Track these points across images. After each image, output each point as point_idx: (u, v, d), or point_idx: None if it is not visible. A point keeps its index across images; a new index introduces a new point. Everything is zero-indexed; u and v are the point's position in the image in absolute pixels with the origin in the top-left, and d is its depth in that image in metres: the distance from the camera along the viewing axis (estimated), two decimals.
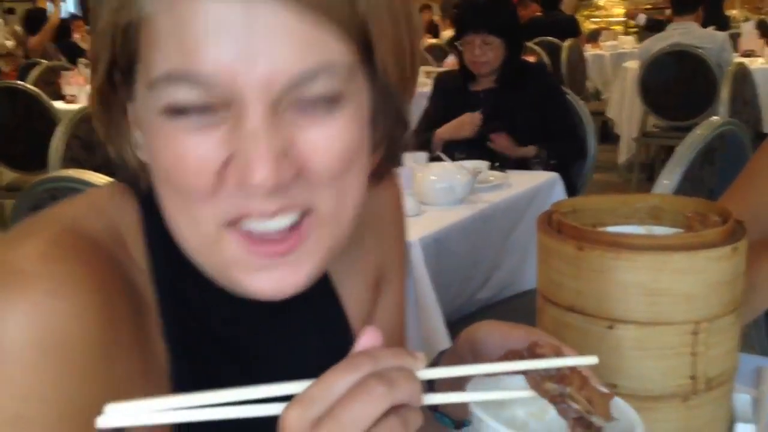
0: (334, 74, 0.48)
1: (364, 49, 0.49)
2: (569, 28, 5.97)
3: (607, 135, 5.66)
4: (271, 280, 0.50)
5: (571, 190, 2.29)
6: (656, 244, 0.67)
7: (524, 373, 0.48)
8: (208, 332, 0.56)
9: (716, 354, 0.67)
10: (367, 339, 0.44)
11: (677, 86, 4.03)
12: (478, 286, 1.80)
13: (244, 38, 0.45)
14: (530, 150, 2.26)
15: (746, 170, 0.97)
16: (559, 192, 2.04)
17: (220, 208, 0.48)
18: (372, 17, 0.48)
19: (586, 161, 2.46)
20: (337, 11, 0.47)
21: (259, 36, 0.45)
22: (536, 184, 1.96)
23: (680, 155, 1.42)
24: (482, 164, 1.90)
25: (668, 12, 5.76)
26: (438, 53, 5.55)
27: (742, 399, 0.73)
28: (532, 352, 0.50)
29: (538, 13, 6.47)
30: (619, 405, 0.50)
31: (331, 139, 0.48)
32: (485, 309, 1.80)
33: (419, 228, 1.59)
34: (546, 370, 0.47)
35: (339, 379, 0.41)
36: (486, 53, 2.29)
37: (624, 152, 4.81)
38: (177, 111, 0.47)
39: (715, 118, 1.53)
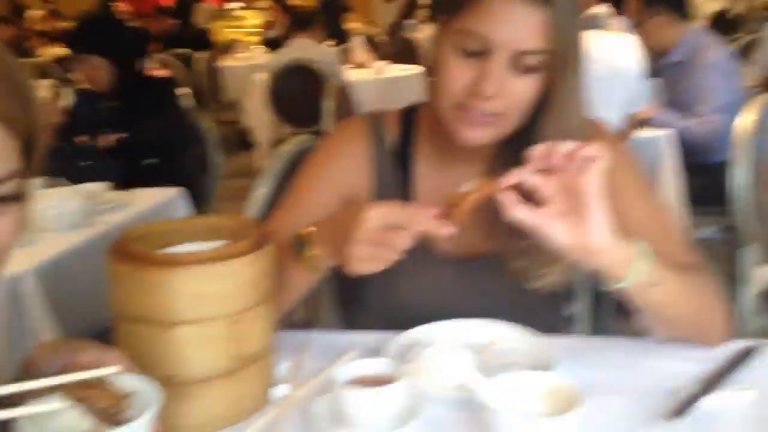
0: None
1: None
2: (202, 40, 6.16)
3: (247, 142, 5.98)
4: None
5: (199, 201, 2.45)
6: (199, 257, 0.84)
7: (60, 387, 0.61)
8: None
9: (252, 337, 0.87)
10: None
11: (300, 97, 4.45)
12: (104, 304, 1.85)
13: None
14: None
15: (293, 189, 1.19)
16: (183, 206, 2.18)
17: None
18: None
19: (211, 171, 2.64)
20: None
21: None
22: (159, 202, 2.08)
23: (270, 169, 1.66)
24: (100, 186, 1.96)
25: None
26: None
27: (283, 367, 0.95)
28: (67, 370, 0.63)
29: (172, 24, 6.53)
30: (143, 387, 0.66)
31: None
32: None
33: (35, 256, 1.60)
34: (78, 381, 0.61)
35: None
36: (93, 73, 2.39)
37: (261, 158, 5.13)
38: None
39: (300, 136, 1.79)
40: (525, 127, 1.03)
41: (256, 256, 0.86)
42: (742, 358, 0.97)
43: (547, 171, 0.88)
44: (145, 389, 0.65)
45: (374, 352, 0.99)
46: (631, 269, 0.90)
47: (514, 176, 0.87)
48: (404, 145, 1.17)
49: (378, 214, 0.88)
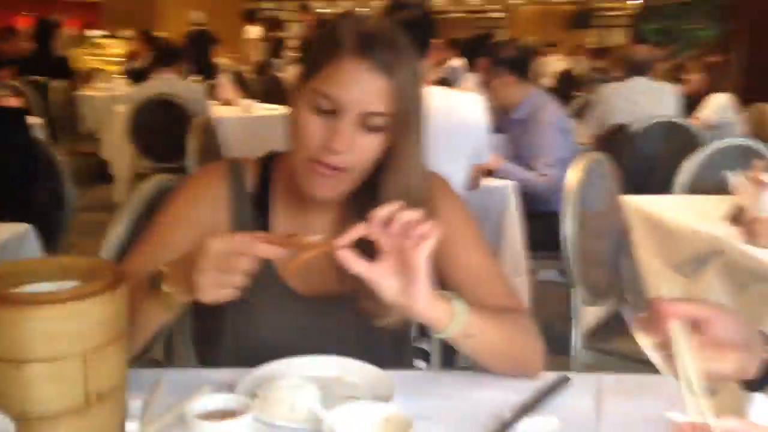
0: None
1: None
2: (61, 67, 5.94)
3: (105, 175, 5.79)
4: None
5: (52, 236, 2.38)
6: (51, 297, 0.86)
7: None
8: None
9: (104, 374, 0.90)
10: None
11: (162, 132, 4.41)
12: None
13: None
14: None
15: (152, 229, 1.22)
16: (33, 241, 2.12)
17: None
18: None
19: (65, 205, 2.58)
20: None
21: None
22: (6, 238, 2.00)
23: (128, 207, 1.67)
24: None
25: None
26: None
27: (135, 404, 0.98)
28: None
29: (27, 49, 6.24)
30: None
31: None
32: None
33: None
34: None
35: None
36: None
37: (120, 191, 5.00)
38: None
39: (161, 175, 1.81)
40: (372, 181, 1.14)
41: (110, 296, 0.89)
42: (553, 388, 1.11)
43: (388, 230, 0.99)
44: None
45: (226, 387, 1.05)
46: (449, 325, 1.04)
47: (353, 234, 0.98)
48: (262, 191, 1.25)
49: (219, 243, 0.96)
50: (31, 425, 0.85)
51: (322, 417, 0.92)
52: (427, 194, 1.18)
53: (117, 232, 1.64)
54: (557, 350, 1.33)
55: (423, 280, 0.99)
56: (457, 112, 2.44)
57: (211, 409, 0.92)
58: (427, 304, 1.01)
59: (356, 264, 0.99)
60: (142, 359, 1.18)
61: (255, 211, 1.24)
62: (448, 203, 1.25)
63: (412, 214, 0.98)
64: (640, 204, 2.46)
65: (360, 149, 1.10)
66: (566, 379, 1.14)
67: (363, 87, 1.07)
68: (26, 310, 0.84)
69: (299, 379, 1.03)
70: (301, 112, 1.10)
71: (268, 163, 1.27)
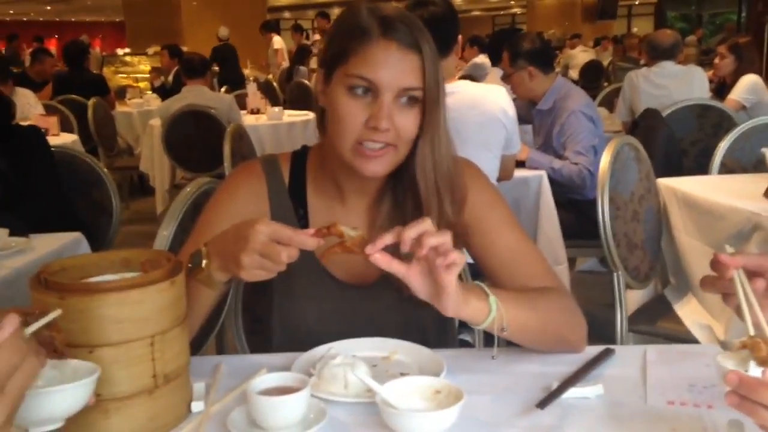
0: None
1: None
2: (97, 86, 6.10)
3: (145, 187, 5.93)
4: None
5: (98, 247, 2.46)
6: (117, 285, 0.92)
7: None
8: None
9: (169, 357, 0.95)
10: None
11: (196, 142, 4.49)
12: None
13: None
14: None
15: (197, 225, 1.27)
16: (84, 249, 2.20)
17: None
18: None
19: (109, 216, 2.66)
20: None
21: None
22: (61, 245, 2.09)
23: (174, 210, 1.73)
24: (1, 232, 1.96)
25: None
26: None
27: (198, 386, 1.03)
28: None
29: (61, 69, 6.42)
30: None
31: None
32: None
33: None
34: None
35: None
36: None
37: (160, 203, 5.11)
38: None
39: (201, 178, 1.87)
40: (402, 164, 1.19)
41: (170, 283, 0.95)
42: (598, 359, 1.14)
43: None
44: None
45: (282, 369, 1.09)
46: (484, 321, 1.06)
47: (385, 240, 0.99)
48: (298, 183, 1.29)
49: (266, 229, 1.00)
50: (106, 406, 0.90)
51: (375, 390, 0.96)
52: (457, 175, 1.21)
53: (164, 236, 1.70)
54: (602, 337, 1.33)
55: (452, 294, 1.01)
56: (483, 105, 2.45)
57: (270, 386, 0.96)
58: (457, 309, 1.03)
59: (390, 264, 1.01)
60: (198, 351, 1.22)
61: (293, 202, 1.28)
62: (478, 187, 1.28)
63: (440, 239, 0.99)
64: (676, 186, 2.45)
65: (401, 124, 1.14)
66: (610, 351, 1.17)
67: (396, 65, 1.13)
68: (95, 298, 0.89)
69: (351, 358, 1.07)
70: (339, 98, 1.15)
71: (300, 157, 1.32)
